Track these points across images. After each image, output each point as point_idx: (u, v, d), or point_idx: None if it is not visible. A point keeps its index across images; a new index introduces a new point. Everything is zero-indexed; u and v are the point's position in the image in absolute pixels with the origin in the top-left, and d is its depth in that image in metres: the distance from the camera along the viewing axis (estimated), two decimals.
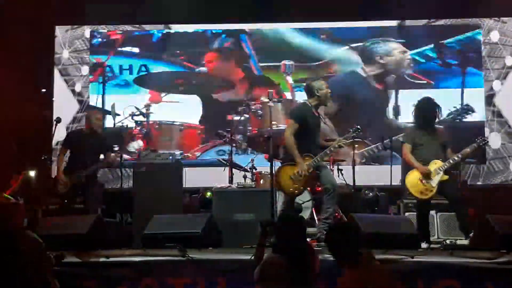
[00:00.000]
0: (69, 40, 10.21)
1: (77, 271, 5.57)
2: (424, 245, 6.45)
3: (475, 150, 6.74)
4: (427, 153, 6.83)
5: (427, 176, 6.72)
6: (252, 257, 4.81)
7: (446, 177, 6.69)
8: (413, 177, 6.82)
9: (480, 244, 6.04)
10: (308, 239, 5.43)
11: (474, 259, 5.54)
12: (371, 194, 8.68)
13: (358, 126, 6.76)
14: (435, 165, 6.72)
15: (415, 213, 7.12)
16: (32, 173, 8.30)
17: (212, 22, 10.23)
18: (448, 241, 6.44)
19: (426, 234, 6.72)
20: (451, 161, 6.71)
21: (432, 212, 7.47)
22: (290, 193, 6.68)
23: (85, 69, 10.23)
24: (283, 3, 9.76)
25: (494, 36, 9.91)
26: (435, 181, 6.70)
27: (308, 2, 9.67)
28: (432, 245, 6.59)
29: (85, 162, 7.58)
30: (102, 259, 5.78)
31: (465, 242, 6.66)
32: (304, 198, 7.50)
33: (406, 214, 7.70)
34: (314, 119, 6.68)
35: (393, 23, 10.07)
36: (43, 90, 9.95)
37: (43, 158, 8.11)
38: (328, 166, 8.07)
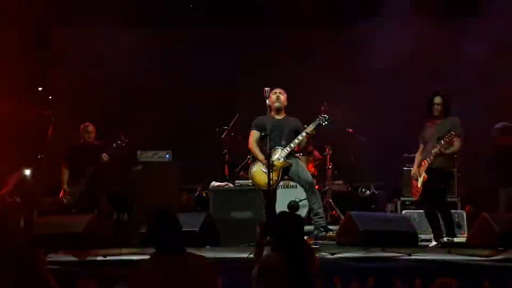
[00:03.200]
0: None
1: (75, 270, 5.55)
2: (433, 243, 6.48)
3: (444, 146, 6.34)
4: (427, 149, 6.58)
5: (416, 177, 6.61)
6: (250, 256, 4.79)
7: (425, 176, 6.45)
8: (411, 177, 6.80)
9: (478, 241, 6.03)
10: (305, 237, 5.43)
11: (471, 256, 5.54)
12: (368, 192, 8.68)
13: (325, 115, 6.86)
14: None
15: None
16: (28, 172, 8.26)
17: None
18: (445, 239, 6.41)
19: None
20: (428, 160, 6.44)
21: None
22: (266, 185, 6.50)
23: None
24: None
25: None
26: (419, 182, 6.55)
27: None
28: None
29: (84, 170, 7.72)
30: (99, 258, 5.76)
31: (463, 239, 6.66)
32: (301, 196, 7.49)
33: (403, 212, 7.71)
34: (272, 121, 6.79)
35: None
36: (40, 88, 9.89)
37: (39, 156, 8.08)
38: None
